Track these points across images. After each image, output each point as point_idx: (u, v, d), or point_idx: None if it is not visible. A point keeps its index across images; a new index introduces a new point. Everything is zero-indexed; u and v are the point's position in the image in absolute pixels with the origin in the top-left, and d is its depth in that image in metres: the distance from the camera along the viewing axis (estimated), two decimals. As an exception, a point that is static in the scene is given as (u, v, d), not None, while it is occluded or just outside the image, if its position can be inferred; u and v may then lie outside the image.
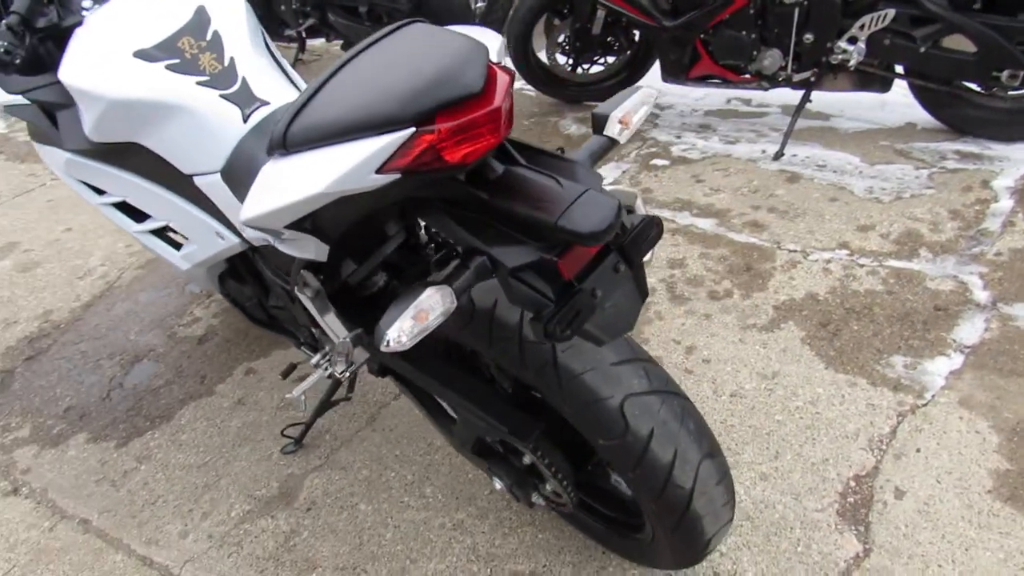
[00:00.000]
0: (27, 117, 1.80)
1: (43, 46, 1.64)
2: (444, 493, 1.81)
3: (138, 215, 1.76)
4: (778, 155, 2.93)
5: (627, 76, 3.47)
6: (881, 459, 1.74)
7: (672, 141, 3.19)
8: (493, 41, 1.12)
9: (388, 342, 0.94)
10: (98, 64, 1.47)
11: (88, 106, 1.49)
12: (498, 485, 1.47)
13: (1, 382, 2.36)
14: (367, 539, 1.73)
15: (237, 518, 1.83)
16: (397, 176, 0.94)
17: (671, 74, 3.14)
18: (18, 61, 1.55)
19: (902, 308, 2.15)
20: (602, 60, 3.43)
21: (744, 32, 2.84)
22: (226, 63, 1.49)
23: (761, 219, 2.61)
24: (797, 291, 2.27)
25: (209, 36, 1.51)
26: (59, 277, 2.82)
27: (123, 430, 2.12)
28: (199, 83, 1.47)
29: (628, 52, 3.36)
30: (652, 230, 1.07)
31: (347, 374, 1.39)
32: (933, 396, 1.88)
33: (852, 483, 1.70)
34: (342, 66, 1.05)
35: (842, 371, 1.98)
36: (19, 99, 1.78)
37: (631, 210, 1.34)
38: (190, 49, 1.48)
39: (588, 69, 3.47)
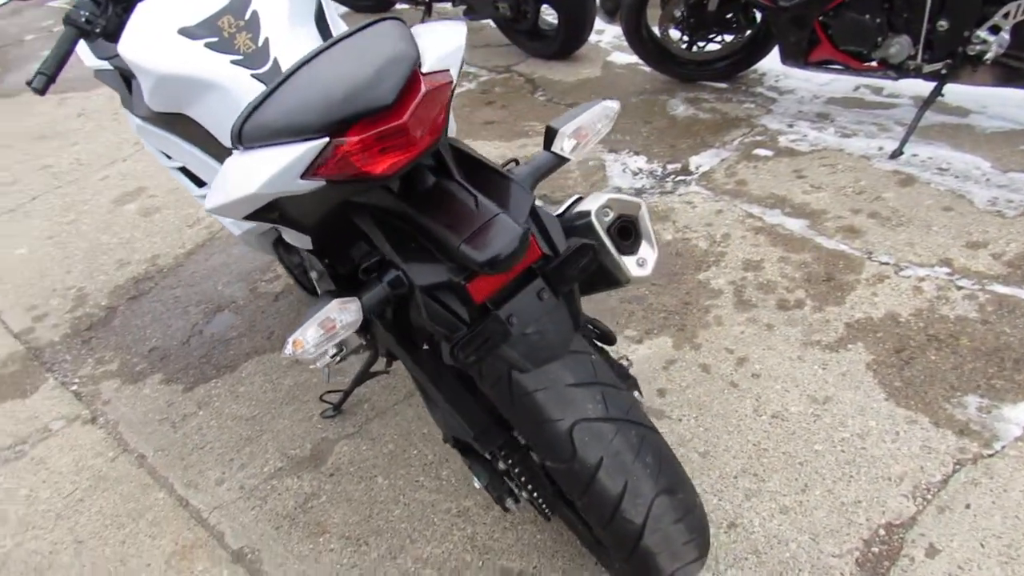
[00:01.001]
0: (109, 82, 1.93)
1: (123, 15, 1.75)
2: (457, 478, 1.83)
3: (198, 181, 1.87)
4: (896, 153, 2.67)
5: (746, 56, 3.26)
6: (922, 509, 1.58)
7: (782, 130, 2.97)
8: (453, 37, 1.07)
9: (288, 348, 0.95)
10: (147, 39, 1.55)
11: (142, 78, 1.59)
12: (476, 484, 1.46)
13: (104, 318, 2.60)
14: (376, 512, 1.78)
15: (268, 473, 1.93)
16: (322, 183, 0.93)
17: (790, 57, 2.91)
18: (99, 30, 1.67)
19: (994, 342, 1.91)
20: (719, 38, 3.23)
21: (868, 16, 2.58)
22: (260, 43, 1.53)
23: (858, 224, 2.39)
24: (877, 309, 2.07)
25: (248, 16, 1.55)
26: (172, 224, 3.05)
27: (192, 375, 2.29)
28: (233, 62, 1.52)
29: (747, 31, 3.14)
30: (583, 258, 1.00)
31: (338, 359, 1.42)
32: (1003, 447, 1.67)
33: (881, 531, 1.56)
34: (302, 64, 1.05)
35: (904, 405, 1.80)
36: (105, 64, 1.92)
37: (630, 220, 1.27)
38: (228, 28, 1.53)
39: (703, 47, 3.28)
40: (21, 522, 1.91)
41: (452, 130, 1.73)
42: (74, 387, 2.32)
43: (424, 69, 0.96)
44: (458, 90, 3.75)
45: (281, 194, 0.96)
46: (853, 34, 2.65)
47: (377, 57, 0.94)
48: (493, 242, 0.89)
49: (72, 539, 1.85)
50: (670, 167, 2.87)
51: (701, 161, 2.88)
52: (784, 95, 3.23)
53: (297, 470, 1.93)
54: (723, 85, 3.37)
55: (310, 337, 0.95)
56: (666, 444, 1.19)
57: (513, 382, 1.14)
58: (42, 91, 1.69)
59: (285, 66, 1.54)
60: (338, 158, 0.90)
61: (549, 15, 3.91)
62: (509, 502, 1.41)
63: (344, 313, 0.96)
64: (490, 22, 4.11)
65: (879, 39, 2.62)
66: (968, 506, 1.57)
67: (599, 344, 1.43)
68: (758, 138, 2.95)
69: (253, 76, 1.53)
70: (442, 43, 1.03)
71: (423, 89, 0.93)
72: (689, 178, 2.78)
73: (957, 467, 1.65)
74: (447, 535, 1.71)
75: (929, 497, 1.60)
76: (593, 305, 2.24)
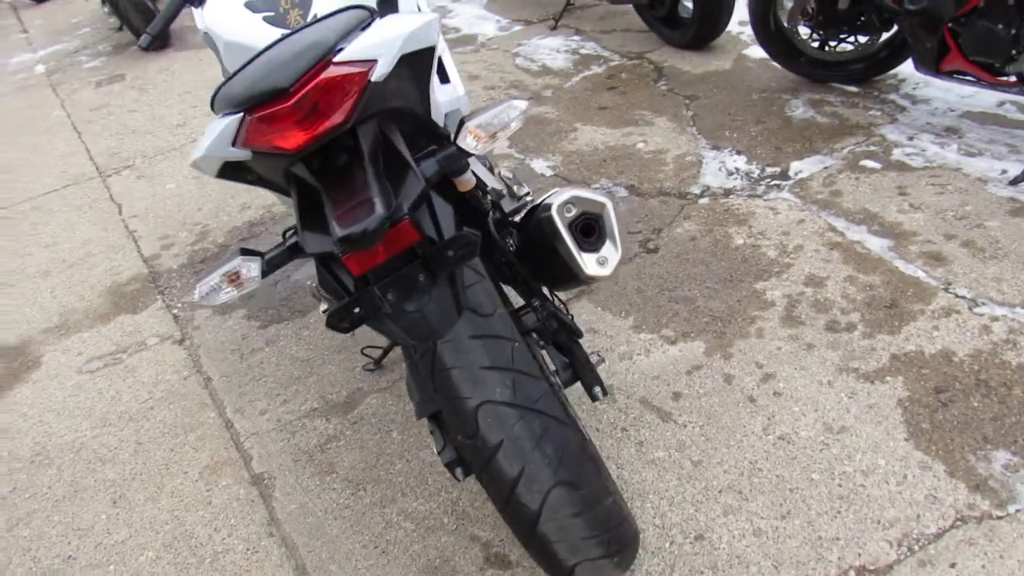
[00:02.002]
0: (210, 45, 2.17)
1: None
2: (459, 445, 1.92)
3: None
4: (1018, 179, 2.42)
5: (884, 59, 3.04)
6: (902, 559, 1.49)
7: (900, 141, 2.77)
8: (398, 28, 1.12)
9: (196, 295, 1.08)
10: (220, 9, 1.74)
11: (217, 43, 1.78)
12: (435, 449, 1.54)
13: (217, 253, 2.92)
14: (381, 463, 1.92)
15: (303, 412, 2.12)
16: (249, 152, 1.05)
17: (923, 64, 2.69)
18: None
19: (1054, 398, 1.73)
20: (851, 38, 3.04)
21: (1001, 25, 2.34)
22: (307, 20, 1.67)
23: (947, 252, 2.21)
24: (933, 344, 1.92)
25: None
26: (293, 177, 3.33)
27: (269, 315, 2.53)
28: (264, 18, 1.68)
29: (883, 33, 2.93)
30: (459, 248, 1.05)
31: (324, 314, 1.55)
32: (1017, 511, 1.53)
33: (852, 573, 1.49)
34: (271, 45, 1.16)
35: (923, 448, 1.68)
36: (207, 29, 2.16)
37: (594, 218, 1.30)
38: (284, 5, 1.69)
39: (835, 47, 3.10)
40: (102, 418, 2.23)
41: (464, 106, 1.80)
42: (175, 311, 2.64)
43: (341, 58, 1.04)
44: (585, 73, 3.78)
45: (226, 158, 1.08)
46: (984, 44, 2.42)
47: (300, 43, 1.04)
48: (354, 221, 0.96)
49: (135, 440, 2.14)
50: (768, 170, 2.76)
51: (802, 167, 2.74)
52: (917, 104, 2.99)
53: (328, 413, 2.11)
54: (854, 89, 3.16)
55: (212, 283, 1.07)
56: (578, 439, 1.21)
57: (436, 356, 1.21)
58: (147, 48, 1.93)
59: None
60: (251, 132, 1.01)
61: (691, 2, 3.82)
62: (459, 471, 1.49)
63: (247, 268, 1.07)
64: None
65: (1014, 51, 2.37)
66: (953, 565, 1.46)
67: (563, 335, 1.46)
68: (871, 148, 2.76)
69: (284, 35, 1.68)
70: (382, 33, 1.10)
71: (320, 76, 1.01)
72: (784, 183, 2.67)
73: (958, 523, 1.53)
74: (434, 495, 1.81)
75: (915, 548, 1.50)
76: (640, 300, 2.24)
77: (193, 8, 2.14)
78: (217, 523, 1.85)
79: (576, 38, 4.27)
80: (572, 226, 1.34)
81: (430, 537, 1.72)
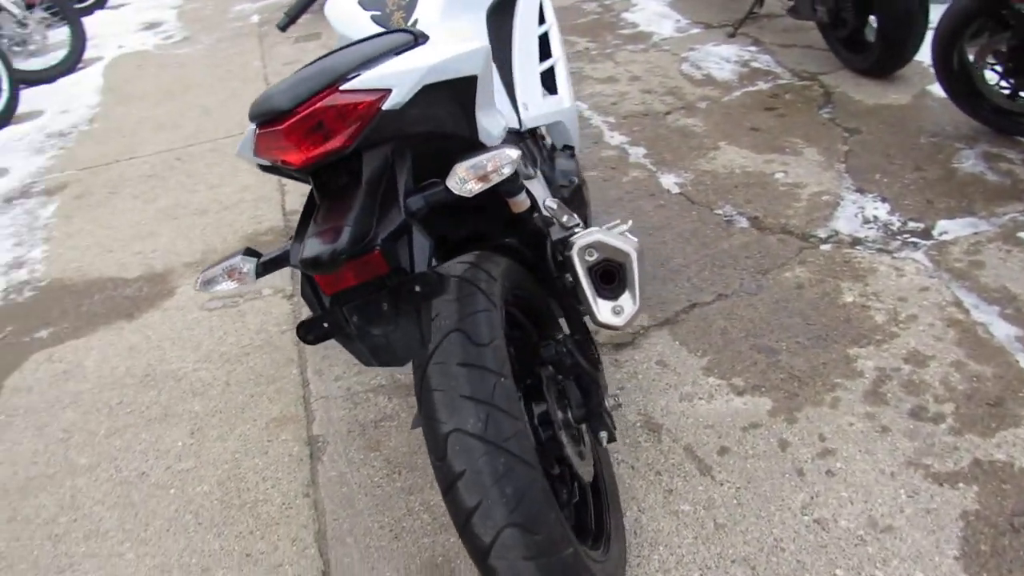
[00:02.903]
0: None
1: None
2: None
3: None
4: None
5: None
6: None
7: (1075, 217, 2.44)
8: (421, 59, 1.14)
9: (198, 281, 1.17)
10: (338, 4, 1.85)
11: (336, 34, 1.90)
12: None
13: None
14: (420, 452, 1.99)
15: (372, 386, 2.24)
16: (267, 161, 1.12)
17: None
18: None
19: None
20: (1047, 90, 2.69)
21: None
22: (408, 23, 1.74)
23: (1085, 356, 1.94)
24: (1028, 458, 1.71)
25: None
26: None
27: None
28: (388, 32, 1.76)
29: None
30: (424, 285, 1.06)
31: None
32: (1057, 672, 1.34)
33: None
34: (311, 63, 1.22)
35: (969, 571, 1.51)
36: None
37: (616, 266, 1.28)
38: (391, 6, 1.76)
39: (1025, 97, 2.76)
40: (205, 355, 2.47)
41: (568, 119, 1.81)
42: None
43: (349, 86, 1.07)
44: (748, 88, 3.62)
45: (252, 162, 1.17)
46: None
47: (317, 68, 1.09)
48: (319, 246, 1.00)
49: (225, 380, 2.35)
50: (910, 225, 2.53)
51: (949, 228, 2.49)
52: (1112, 176, 2.61)
53: (393, 392, 2.21)
54: (1043, 146, 2.81)
55: (213, 275, 1.15)
56: (542, 486, 1.20)
57: (425, 375, 1.25)
58: (283, 29, 2.08)
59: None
60: (259, 144, 1.08)
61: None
62: None
63: (245, 267, 1.15)
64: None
65: None
66: None
67: (583, 372, 1.45)
68: (1037, 219, 2.45)
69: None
70: (405, 63, 1.13)
71: (319, 104, 1.05)
72: (922, 243, 2.44)
73: (982, 666, 1.37)
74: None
75: None
76: (721, 341, 2.15)
77: None
78: (266, 473, 2.01)
79: (752, 49, 4.08)
80: (592, 271, 1.32)
81: (441, 534, 1.77)
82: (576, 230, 1.57)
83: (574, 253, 1.31)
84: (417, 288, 1.07)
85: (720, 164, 3.08)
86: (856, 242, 2.49)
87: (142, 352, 2.54)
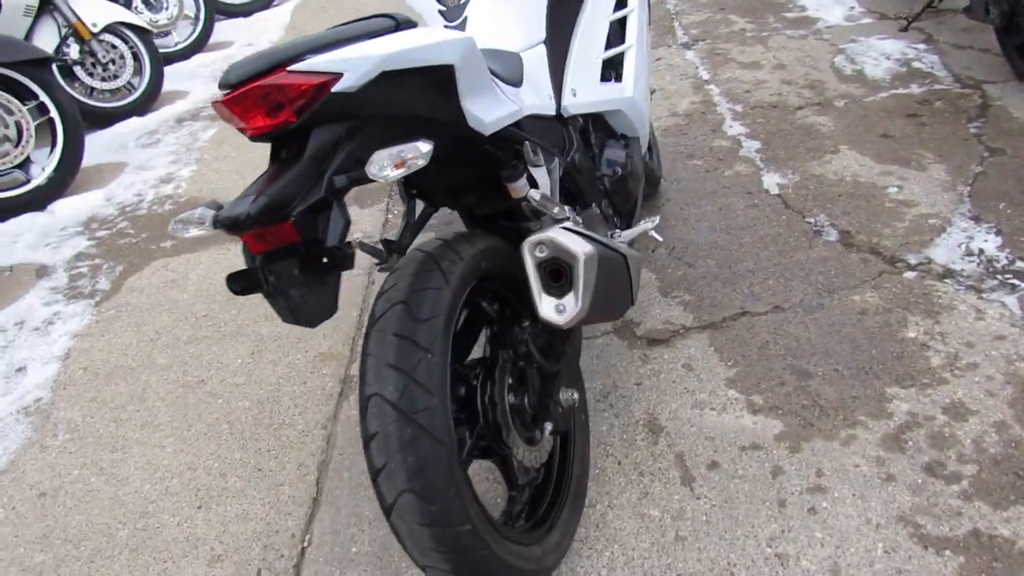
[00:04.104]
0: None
1: None
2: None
3: None
4: None
5: None
6: None
7: None
8: (384, 47, 1.20)
9: (171, 226, 1.31)
10: None
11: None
12: None
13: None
14: (434, 408, 2.11)
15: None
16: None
17: None
18: None
19: None
20: None
21: None
22: (462, 1, 1.81)
23: None
24: (1038, 542, 1.55)
25: None
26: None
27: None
28: (439, 11, 1.84)
29: None
30: (332, 257, 1.13)
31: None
32: None
33: None
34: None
35: (920, 646, 1.42)
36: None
37: (565, 266, 1.31)
38: None
39: None
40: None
41: (629, 108, 1.90)
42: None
43: (297, 67, 1.15)
44: (897, 91, 3.35)
45: None
46: None
47: (275, 50, 1.17)
48: (235, 209, 1.10)
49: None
50: (1018, 265, 2.29)
51: (1060, 272, 2.23)
52: None
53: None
54: None
55: (183, 217, 1.27)
56: (446, 461, 1.26)
57: (367, 338, 1.35)
58: None
59: (472, 24, 1.81)
60: (220, 113, 1.19)
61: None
62: None
63: (206, 217, 1.26)
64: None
65: None
66: None
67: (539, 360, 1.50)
68: None
69: (445, 26, 1.83)
70: (363, 49, 1.19)
71: (262, 81, 1.13)
72: (1021, 287, 2.20)
73: None
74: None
75: None
76: (756, 355, 2.09)
77: None
78: (299, 401, 2.21)
79: (920, 47, 3.75)
80: (542, 266, 1.35)
81: (422, 488, 1.88)
82: (565, 222, 1.60)
83: (525, 246, 1.34)
84: (325, 260, 1.16)
85: (833, 169, 2.89)
86: (947, 274, 2.29)
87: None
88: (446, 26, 1.83)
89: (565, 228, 1.40)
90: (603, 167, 2.01)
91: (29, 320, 2.76)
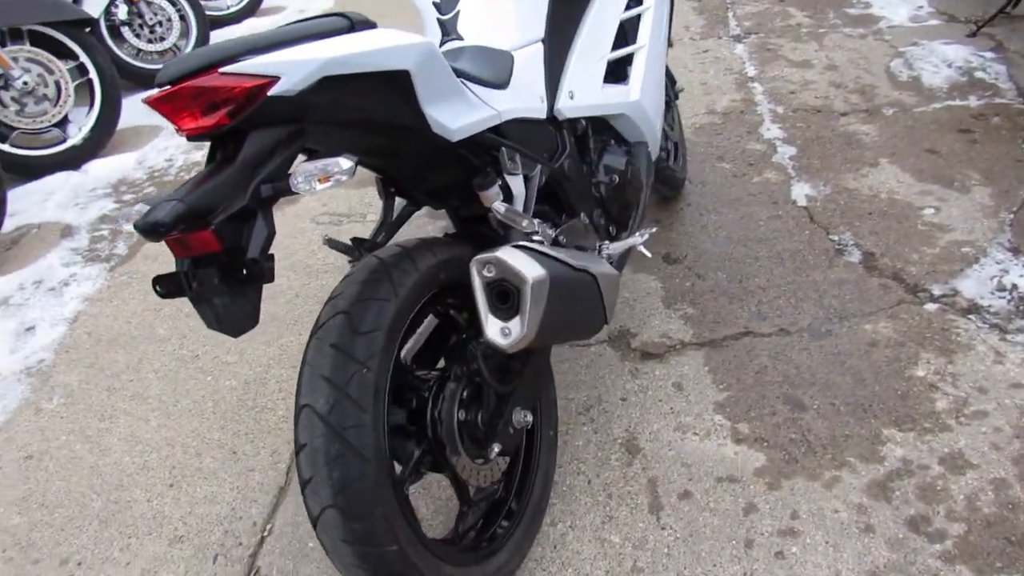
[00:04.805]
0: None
1: None
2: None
3: None
4: None
5: None
6: None
7: None
8: (326, 51, 1.14)
9: (120, 219, 1.29)
10: None
11: None
12: None
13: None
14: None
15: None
16: None
17: None
18: None
19: None
20: None
21: None
22: (455, 10, 1.74)
23: None
24: (1017, 617, 1.44)
25: None
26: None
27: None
28: (433, 3, 1.78)
29: None
30: (250, 269, 1.09)
31: None
32: None
33: None
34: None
35: None
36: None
37: (512, 289, 1.25)
38: None
39: None
40: (292, 265, 2.71)
41: (633, 112, 1.95)
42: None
43: (229, 69, 1.09)
44: (953, 102, 3.17)
45: None
46: None
47: (210, 50, 1.12)
48: (152, 214, 1.06)
49: (295, 292, 2.58)
50: (1057, 306, 2.13)
51: (1097, 317, 2.06)
52: None
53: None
54: None
55: (129, 211, 1.24)
56: (373, 480, 1.21)
57: (308, 346, 1.31)
58: None
59: (465, 18, 1.74)
60: (157, 110, 1.15)
61: None
62: None
63: (144, 210, 1.23)
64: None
65: None
66: None
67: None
68: None
69: (438, 18, 1.77)
70: (303, 52, 1.12)
71: (190, 83, 1.09)
72: (1054, 331, 2.05)
73: None
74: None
75: None
76: (751, 380, 1.99)
77: None
78: (284, 385, 2.21)
79: (987, 54, 3.52)
80: (489, 286, 1.29)
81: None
82: (534, 236, 1.53)
83: (473, 264, 1.29)
84: (244, 271, 1.12)
85: (868, 184, 2.74)
86: (971, 310, 2.14)
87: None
88: (439, 18, 1.76)
89: (521, 246, 1.34)
90: (600, 174, 1.92)
91: (47, 280, 2.83)
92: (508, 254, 1.28)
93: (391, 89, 1.26)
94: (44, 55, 3.47)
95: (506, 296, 1.28)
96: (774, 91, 3.48)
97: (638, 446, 1.87)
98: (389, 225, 1.69)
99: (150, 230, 1.05)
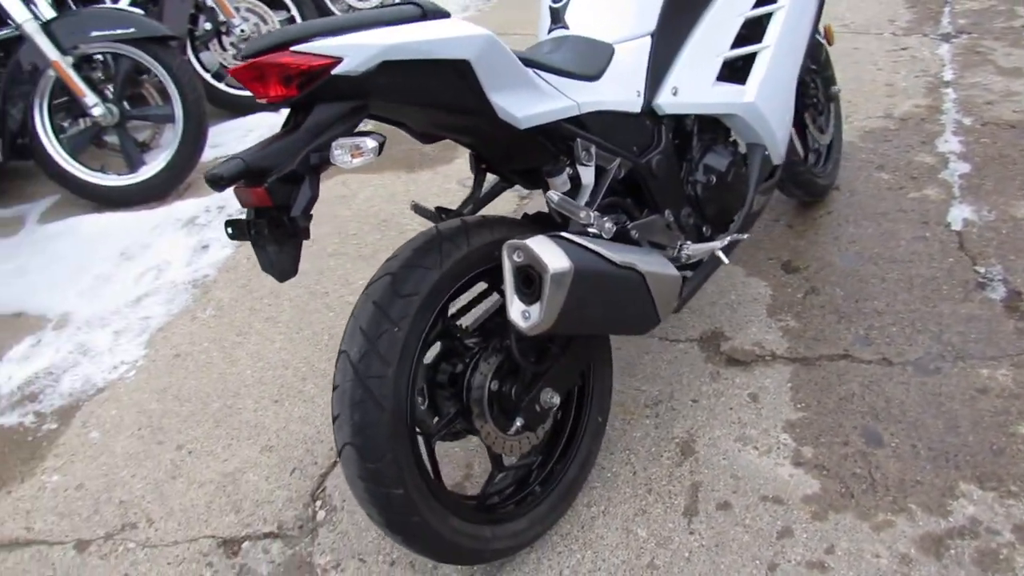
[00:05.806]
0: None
1: None
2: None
3: None
4: None
5: None
6: None
7: None
8: (388, 38, 1.24)
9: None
10: None
11: None
12: None
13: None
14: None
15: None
16: None
17: None
18: None
19: None
20: None
21: None
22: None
23: None
24: None
25: None
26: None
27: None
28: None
29: None
30: (292, 226, 1.23)
31: None
32: None
33: None
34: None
35: None
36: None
37: (536, 275, 1.34)
38: None
39: None
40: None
41: (747, 113, 1.93)
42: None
43: (299, 48, 1.22)
44: None
45: None
46: None
47: (288, 30, 1.25)
48: (220, 167, 1.22)
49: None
50: None
51: None
52: None
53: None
54: None
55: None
56: (388, 428, 1.34)
57: (360, 297, 1.46)
58: None
59: (575, 7, 1.80)
60: (237, 79, 1.30)
61: None
62: None
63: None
64: None
65: None
66: None
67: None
68: None
69: (550, 6, 1.84)
70: (369, 37, 1.23)
71: (263, 58, 1.22)
72: None
73: None
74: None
75: None
76: (833, 404, 1.92)
77: None
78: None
79: None
80: (518, 270, 1.36)
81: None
82: (589, 229, 1.57)
83: (505, 247, 1.36)
84: (282, 227, 1.28)
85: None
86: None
87: (396, 200, 3.07)
88: (551, 6, 1.82)
89: (557, 236, 1.40)
90: (698, 172, 1.90)
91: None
92: (537, 242, 1.35)
93: (454, 76, 1.35)
94: (262, 7, 3.89)
95: (531, 281, 1.35)
96: (967, 100, 3.16)
97: (693, 449, 1.87)
98: (477, 200, 1.79)
99: (214, 181, 1.23)
